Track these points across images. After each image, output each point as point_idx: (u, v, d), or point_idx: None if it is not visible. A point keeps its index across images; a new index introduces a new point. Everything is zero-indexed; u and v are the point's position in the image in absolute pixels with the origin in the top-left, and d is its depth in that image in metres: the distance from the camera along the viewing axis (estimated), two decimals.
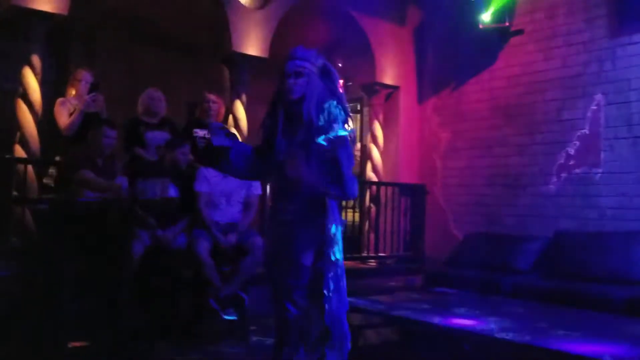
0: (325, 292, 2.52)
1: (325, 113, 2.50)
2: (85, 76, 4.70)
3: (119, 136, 4.41)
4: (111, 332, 3.67)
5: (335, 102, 2.54)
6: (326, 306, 2.51)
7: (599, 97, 5.34)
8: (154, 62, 7.08)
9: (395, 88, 7.07)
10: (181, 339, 4.06)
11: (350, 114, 2.64)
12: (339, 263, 2.58)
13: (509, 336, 3.12)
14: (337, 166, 2.47)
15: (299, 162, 2.55)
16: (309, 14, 6.43)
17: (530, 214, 5.83)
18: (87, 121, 4.48)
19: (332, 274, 2.54)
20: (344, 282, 2.61)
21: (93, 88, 4.66)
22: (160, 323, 4.12)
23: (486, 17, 6.02)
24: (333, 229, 2.56)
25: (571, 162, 5.53)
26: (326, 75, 2.63)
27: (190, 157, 4.63)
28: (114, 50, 6.96)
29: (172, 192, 4.30)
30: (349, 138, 2.50)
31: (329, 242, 2.54)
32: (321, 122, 2.49)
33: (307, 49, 2.65)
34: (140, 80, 5.57)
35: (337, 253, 2.57)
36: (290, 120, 2.58)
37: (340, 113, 2.53)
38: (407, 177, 7.01)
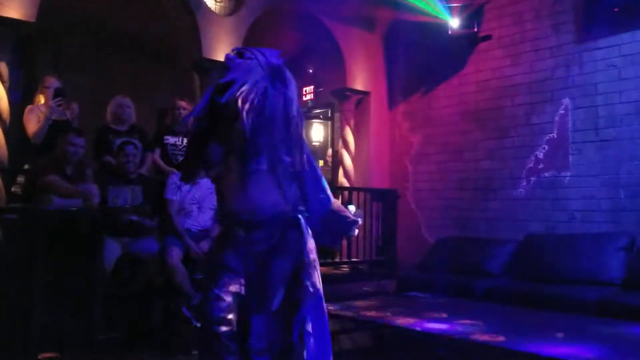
0: (303, 337, 1.96)
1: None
2: (53, 83, 4.62)
3: (86, 145, 4.34)
4: (82, 343, 3.60)
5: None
6: (305, 354, 1.95)
7: (566, 101, 5.44)
8: (123, 69, 6.99)
9: (365, 93, 7.11)
10: (153, 347, 3.99)
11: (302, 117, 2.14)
12: (320, 293, 2.07)
13: (482, 339, 3.13)
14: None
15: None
16: (279, 20, 6.43)
17: (501, 218, 5.89)
18: (57, 129, 4.40)
19: (312, 310, 2.01)
20: (326, 318, 2.09)
21: (57, 94, 4.58)
22: (132, 332, 4.05)
23: (455, 23, 6.09)
24: (310, 253, 2.09)
25: (540, 166, 5.61)
26: (276, 76, 2.07)
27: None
28: (83, 58, 6.86)
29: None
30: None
31: (307, 268, 2.05)
32: (260, 139, 2.00)
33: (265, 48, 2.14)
34: (110, 88, 5.49)
35: (318, 282, 2.08)
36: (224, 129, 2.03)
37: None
38: (379, 182, 7.04)
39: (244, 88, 1.95)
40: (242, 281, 2.04)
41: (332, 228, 2.30)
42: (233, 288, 2.02)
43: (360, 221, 2.35)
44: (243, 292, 2.03)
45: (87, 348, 3.70)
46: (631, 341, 3.23)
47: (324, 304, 2.09)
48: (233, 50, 2.11)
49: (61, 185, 3.93)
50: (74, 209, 3.86)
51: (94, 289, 3.90)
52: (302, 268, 2.04)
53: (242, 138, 1.96)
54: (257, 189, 2.04)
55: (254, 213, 2.04)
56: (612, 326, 3.60)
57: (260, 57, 2.04)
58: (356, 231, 2.35)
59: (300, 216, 2.10)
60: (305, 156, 2.12)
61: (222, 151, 2.05)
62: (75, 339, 3.70)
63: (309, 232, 2.12)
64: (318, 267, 2.12)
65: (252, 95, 1.95)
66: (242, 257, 2.06)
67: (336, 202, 2.34)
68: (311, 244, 2.11)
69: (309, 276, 2.04)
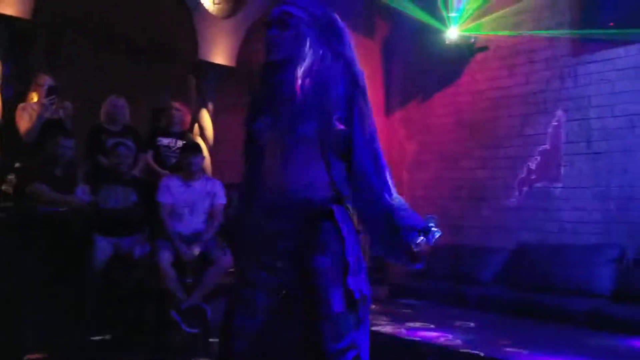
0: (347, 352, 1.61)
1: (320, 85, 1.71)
2: (46, 81, 4.60)
3: (79, 144, 4.33)
4: (73, 343, 3.58)
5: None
6: None
7: (559, 113, 5.47)
8: (119, 69, 6.97)
9: None
10: (143, 350, 3.97)
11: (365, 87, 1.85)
12: (367, 301, 1.72)
13: (472, 349, 3.13)
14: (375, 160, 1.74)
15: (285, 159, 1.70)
16: None
17: (493, 226, 5.91)
18: (50, 127, 4.38)
19: (356, 322, 1.66)
20: (368, 328, 1.74)
21: (51, 92, 4.55)
22: (122, 334, 4.03)
23: (452, 32, 6.12)
24: (353, 251, 1.71)
25: (533, 177, 5.63)
26: (328, 31, 1.80)
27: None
28: (78, 56, 6.83)
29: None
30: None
31: (349, 271, 1.67)
32: (312, 100, 1.70)
33: None
34: (105, 87, 5.47)
35: (365, 286, 1.71)
36: (273, 92, 1.77)
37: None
38: None
39: (299, 69, 1.71)
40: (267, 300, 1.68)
41: (392, 238, 1.79)
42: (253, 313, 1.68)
43: (437, 234, 1.90)
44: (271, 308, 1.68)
45: (78, 349, 3.68)
46: (620, 355, 3.24)
47: (368, 315, 1.74)
48: (271, 16, 1.78)
49: (47, 195, 3.92)
50: (64, 209, 3.84)
51: (85, 290, 3.89)
52: (345, 271, 1.65)
53: (291, 100, 1.69)
54: (294, 162, 1.68)
55: (279, 194, 1.67)
56: (601, 338, 3.62)
57: (306, 16, 1.75)
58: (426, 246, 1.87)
59: (335, 207, 1.70)
60: (368, 129, 1.78)
61: (269, 121, 1.74)
62: (66, 340, 3.67)
63: (350, 226, 1.73)
64: (364, 266, 1.73)
65: (309, 68, 1.72)
66: (266, 261, 1.70)
67: (401, 200, 1.85)
68: (352, 239, 1.71)
69: (354, 281, 1.66)
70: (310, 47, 1.74)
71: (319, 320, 1.61)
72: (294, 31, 1.73)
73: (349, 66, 1.79)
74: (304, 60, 1.72)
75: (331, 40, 1.79)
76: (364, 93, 1.82)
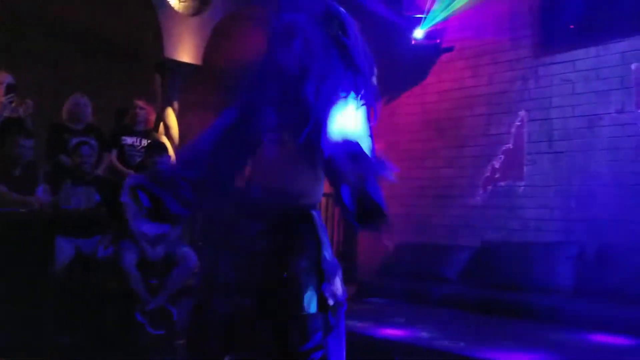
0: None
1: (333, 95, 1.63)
2: (5, 78, 4.48)
3: (40, 143, 4.23)
4: (33, 346, 3.50)
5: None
6: None
7: (522, 113, 5.57)
8: (82, 67, 6.83)
9: None
10: (107, 354, 3.90)
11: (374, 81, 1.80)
12: (342, 308, 1.68)
13: (438, 346, 3.17)
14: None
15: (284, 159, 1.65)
16: (245, 22, 6.37)
17: (459, 225, 5.99)
18: (9, 127, 4.27)
19: (327, 326, 1.63)
20: (344, 335, 1.70)
21: (9, 90, 4.44)
22: (85, 338, 3.95)
23: (418, 33, 6.17)
24: (330, 257, 1.69)
25: (497, 175, 5.73)
26: (332, 24, 1.75)
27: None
28: (40, 54, 6.67)
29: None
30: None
31: (328, 278, 1.65)
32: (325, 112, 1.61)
33: None
34: (67, 85, 5.36)
35: (340, 289, 1.68)
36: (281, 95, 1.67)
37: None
38: None
39: (312, 78, 1.61)
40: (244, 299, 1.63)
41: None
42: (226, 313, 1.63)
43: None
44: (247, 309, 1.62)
45: (38, 352, 3.60)
46: (578, 348, 3.32)
47: (343, 320, 1.69)
48: (275, 28, 1.73)
49: (5, 196, 3.83)
50: (24, 210, 3.76)
51: (46, 292, 3.80)
52: (320, 277, 1.63)
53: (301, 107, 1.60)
54: (289, 165, 1.64)
55: (268, 194, 1.61)
56: (562, 333, 3.70)
57: (309, 19, 1.69)
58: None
59: (315, 212, 1.69)
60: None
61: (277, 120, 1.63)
62: (26, 343, 3.59)
63: (326, 232, 1.71)
64: (340, 272, 1.71)
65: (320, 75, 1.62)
66: (240, 261, 1.64)
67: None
68: (328, 245, 1.70)
69: (328, 287, 1.63)
70: (319, 52, 1.64)
71: (289, 320, 1.60)
72: (302, 39, 1.64)
73: (352, 58, 1.73)
74: (317, 68, 1.62)
75: (336, 33, 1.72)
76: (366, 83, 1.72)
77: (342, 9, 1.78)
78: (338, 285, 1.68)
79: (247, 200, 1.63)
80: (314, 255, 1.65)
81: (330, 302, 1.62)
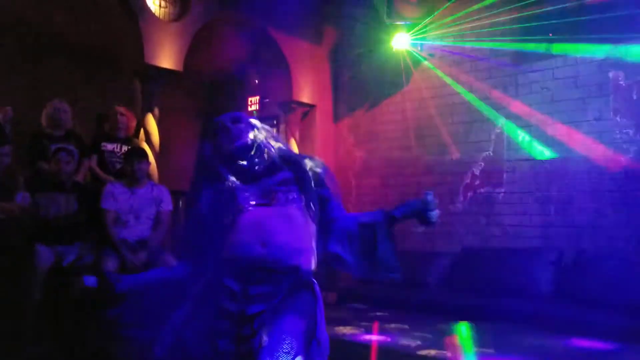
0: None
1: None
2: None
3: (20, 150, 4.17)
4: (11, 355, 3.44)
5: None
6: None
7: (502, 121, 5.65)
8: (62, 73, 6.76)
9: (311, 107, 7.14)
10: None
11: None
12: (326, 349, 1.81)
13: (418, 351, 3.19)
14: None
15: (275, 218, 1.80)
16: (225, 28, 6.38)
17: (439, 231, 6.03)
18: None
19: None
20: None
21: None
22: (66, 346, 3.89)
23: (399, 40, 6.23)
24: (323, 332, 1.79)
25: (477, 182, 5.79)
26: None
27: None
28: (19, 61, 6.59)
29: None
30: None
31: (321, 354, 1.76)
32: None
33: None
34: (47, 92, 5.30)
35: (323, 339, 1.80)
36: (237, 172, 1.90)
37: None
38: None
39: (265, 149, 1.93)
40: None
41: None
42: None
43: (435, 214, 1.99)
44: None
45: None
46: (557, 352, 3.36)
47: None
48: (220, 120, 1.98)
49: None
50: (3, 217, 3.70)
51: (25, 300, 3.75)
52: (318, 343, 1.71)
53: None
54: (283, 225, 1.79)
55: (268, 256, 1.73)
56: (541, 338, 3.73)
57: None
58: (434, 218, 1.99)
59: (314, 281, 1.82)
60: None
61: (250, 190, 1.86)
62: (5, 352, 3.53)
63: (322, 304, 1.81)
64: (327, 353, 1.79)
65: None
66: (232, 320, 1.70)
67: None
68: (323, 320, 1.80)
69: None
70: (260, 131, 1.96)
71: None
72: (244, 123, 1.95)
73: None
74: (265, 141, 1.94)
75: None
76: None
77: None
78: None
79: (249, 265, 1.73)
80: (312, 326, 1.72)
81: (318, 345, 1.69)
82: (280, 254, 1.73)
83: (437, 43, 6.21)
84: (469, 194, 5.84)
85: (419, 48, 6.27)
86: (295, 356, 1.61)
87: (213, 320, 1.72)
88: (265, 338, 1.65)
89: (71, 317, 3.99)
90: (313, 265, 1.82)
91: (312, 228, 1.85)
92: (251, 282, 1.72)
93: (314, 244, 1.84)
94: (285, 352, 1.61)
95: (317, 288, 1.80)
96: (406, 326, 3.93)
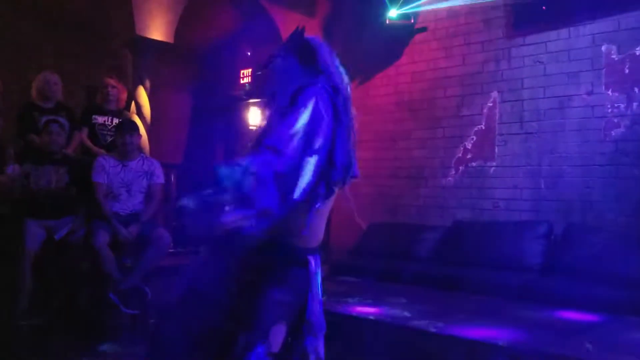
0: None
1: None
2: None
3: (9, 122, 4.14)
4: (4, 329, 3.46)
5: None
6: None
7: (494, 94, 5.64)
8: (52, 45, 6.66)
9: None
10: (78, 334, 3.89)
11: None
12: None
13: (409, 323, 3.23)
14: None
15: None
16: (217, 1, 6.30)
17: (431, 205, 6.07)
18: None
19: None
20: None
21: None
22: (58, 319, 3.92)
23: (393, 13, 6.17)
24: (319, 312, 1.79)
25: (468, 156, 5.80)
26: (304, 53, 2.02)
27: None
28: (7, 32, 6.48)
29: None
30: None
31: (311, 328, 1.76)
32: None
33: None
34: (37, 63, 5.23)
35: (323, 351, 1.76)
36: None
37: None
38: None
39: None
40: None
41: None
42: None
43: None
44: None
45: (8, 334, 3.56)
46: (547, 325, 3.42)
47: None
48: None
49: None
50: None
51: (17, 274, 3.75)
52: (307, 324, 1.67)
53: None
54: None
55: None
56: (530, 310, 3.79)
57: (280, 52, 1.93)
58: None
59: (312, 257, 1.79)
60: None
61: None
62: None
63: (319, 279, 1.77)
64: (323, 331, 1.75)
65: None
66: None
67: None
68: (320, 297, 1.77)
69: (314, 340, 1.67)
70: (289, 75, 1.86)
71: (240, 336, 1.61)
72: (270, 67, 1.89)
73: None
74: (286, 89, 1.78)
75: (308, 61, 1.93)
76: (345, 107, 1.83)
77: (314, 40, 1.99)
78: (322, 347, 1.70)
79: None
80: (303, 293, 1.70)
81: (312, 357, 1.65)
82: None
83: (431, 15, 6.16)
84: (461, 167, 5.86)
85: (413, 21, 6.22)
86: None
87: (228, 269, 1.69)
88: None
89: (64, 288, 4.02)
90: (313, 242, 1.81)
91: None
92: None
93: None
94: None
95: (314, 268, 1.76)
96: (400, 298, 3.97)
